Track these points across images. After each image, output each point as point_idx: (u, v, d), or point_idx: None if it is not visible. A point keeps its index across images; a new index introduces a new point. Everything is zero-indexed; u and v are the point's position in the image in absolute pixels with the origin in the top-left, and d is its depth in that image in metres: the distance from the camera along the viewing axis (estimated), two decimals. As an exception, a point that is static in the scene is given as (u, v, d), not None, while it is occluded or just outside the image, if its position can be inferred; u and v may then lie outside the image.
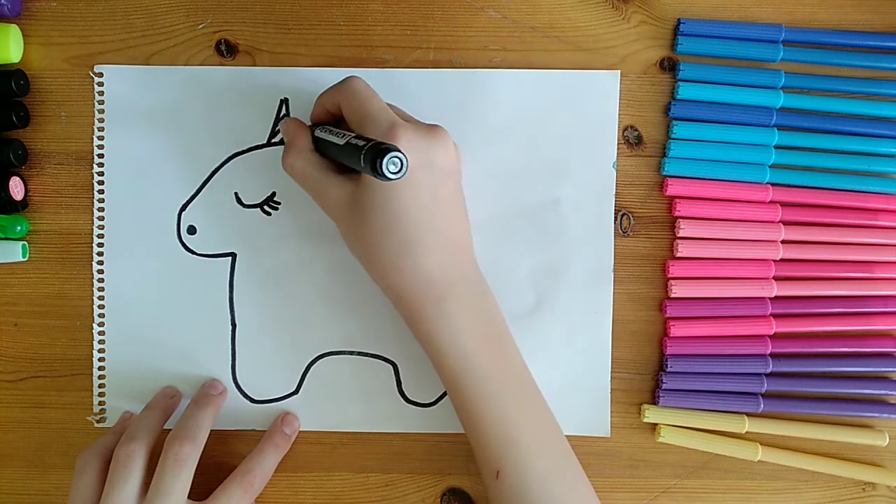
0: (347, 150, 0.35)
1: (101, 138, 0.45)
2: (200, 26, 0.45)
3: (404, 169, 0.31)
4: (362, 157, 0.33)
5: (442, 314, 0.38)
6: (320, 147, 0.40)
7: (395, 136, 0.36)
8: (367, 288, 0.44)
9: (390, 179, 0.32)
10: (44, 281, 0.45)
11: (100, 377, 0.45)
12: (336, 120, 0.41)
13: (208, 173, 0.45)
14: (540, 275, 0.45)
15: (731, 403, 0.44)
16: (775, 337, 0.44)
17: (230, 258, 0.45)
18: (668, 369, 0.44)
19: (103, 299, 0.45)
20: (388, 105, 0.39)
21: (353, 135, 0.36)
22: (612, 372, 0.45)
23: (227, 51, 0.45)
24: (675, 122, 0.44)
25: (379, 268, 0.39)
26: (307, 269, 0.45)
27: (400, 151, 0.31)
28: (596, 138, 0.45)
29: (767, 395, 0.44)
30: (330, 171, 0.39)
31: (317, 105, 0.42)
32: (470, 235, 0.41)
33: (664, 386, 0.44)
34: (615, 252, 0.45)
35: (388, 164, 0.31)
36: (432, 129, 0.38)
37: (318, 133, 0.40)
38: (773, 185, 0.44)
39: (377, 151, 0.31)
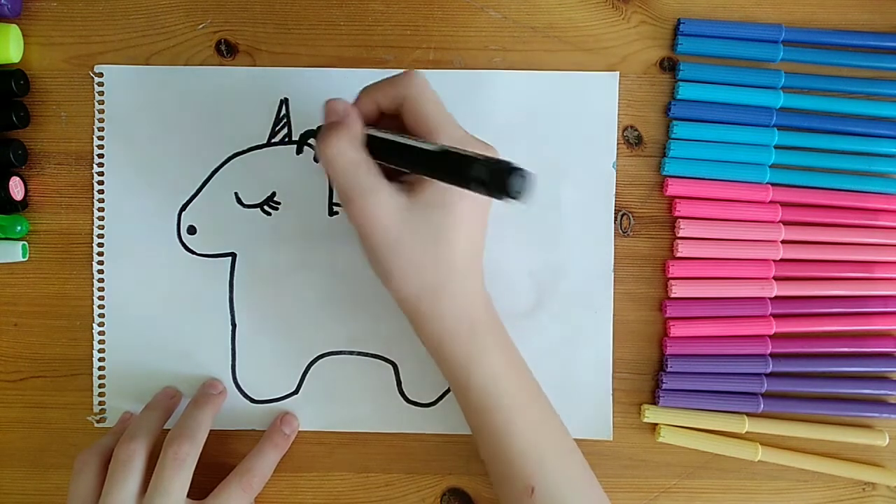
0: (446, 158, 0.32)
1: (101, 138, 0.45)
2: (200, 26, 0.45)
3: (528, 191, 0.29)
4: (483, 169, 0.30)
5: (476, 341, 0.37)
6: (376, 148, 0.35)
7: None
8: (367, 288, 0.44)
9: (514, 199, 0.29)
10: (44, 281, 0.45)
11: (100, 377, 0.45)
12: (376, 120, 0.37)
13: (208, 173, 0.45)
14: (540, 275, 0.45)
15: (731, 403, 0.44)
16: (775, 337, 0.44)
17: (230, 258, 0.45)
18: (668, 369, 0.44)
19: (103, 299, 0.45)
20: None
21: (445, 145, 0.33)
22: (612, 372, 0.45)
23: (227, 51, 0.45)
24: (675, 122, 0.44)
25: (414, 289, 0.36)
26: (307, 269, 0.45)
27: (528, 172, 0.29)
28: (596, 138, 0.45)
29: (767, 395, 0.44)
30: (379, 171, 0.35)
31: (366, 101, 0.37)
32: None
33: (664, 386, 0.44)
34: (615, 252, 0.45)
35: (519, 183, 0.29)
36: (488, 150, 0.37)
37: (377, 133, 0.35)
38: (773, 185, 0.44)
39: (508, 170, 0.29)
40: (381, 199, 0.34)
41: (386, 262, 0.36)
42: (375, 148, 0.35)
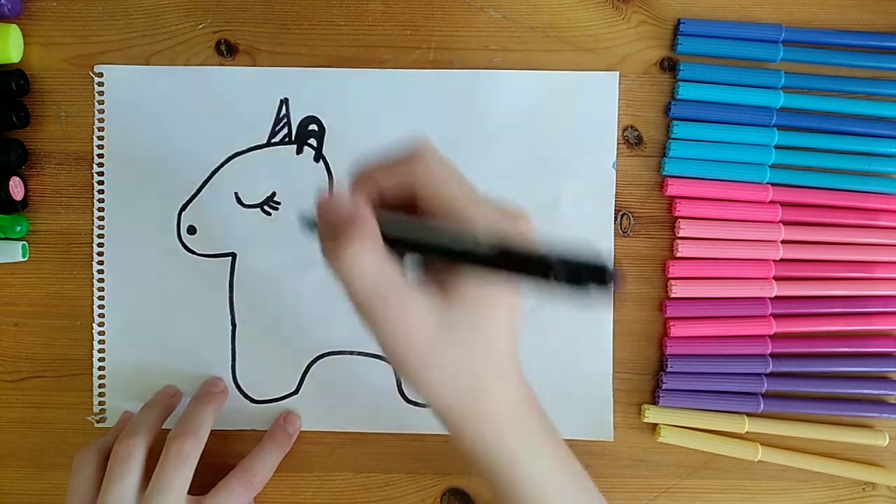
0: (497, 260, 0.28)
1: (101, 138, 0.45)
2: (200, 26, 0.45)
3: (613, 283, 0.26)
4: (576, 269, 0.26)
5: (521, 439, 0.33)
6: (394, 241, 0.30)
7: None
8: (367, 288, 0.44)
9: (601, 300, 0.26)
10: (44, 281, 0.45)
11: (100, 377, 0.45)
12: (383, 202, 0.31)
13: (208, 173, 0.45)
14: (540, 275, 0.45)
15: (731, 403, 0.44)
16: (775, 337, 0.44)
17: (230, 258, 0.45)
18: (668, 369, 0.44)
19: (103, 299, 0.45)
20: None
21: (475, 237, 0.28)
22: (612, 372, 0.45)
23: (227, 51, 0.45)
24: (675, 122, 0.44)
25: (452, 398, 0.31)
26: (307, 269, 0.45)
27: (611, 267, 0.26)
28: (596, 138, 0.45)
29: (767, 395, 0.44)
30: (405, 278, 0.29)
31: (365, 184, 0.31)
32: None
33: (664, 386, 0.44)
34: (615, 252, 0.45)
35: (604, 281, 0.25)
36: (520, 219, 0.32)
37: (391, 223, 0.30)
38: (773, 185, 0.44)
39: (601, 271, 0.25)
40: (415, 309, 0.29)
41: (421, 372, 0.31)
42: (394, 241, 0.29)
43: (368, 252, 0.28)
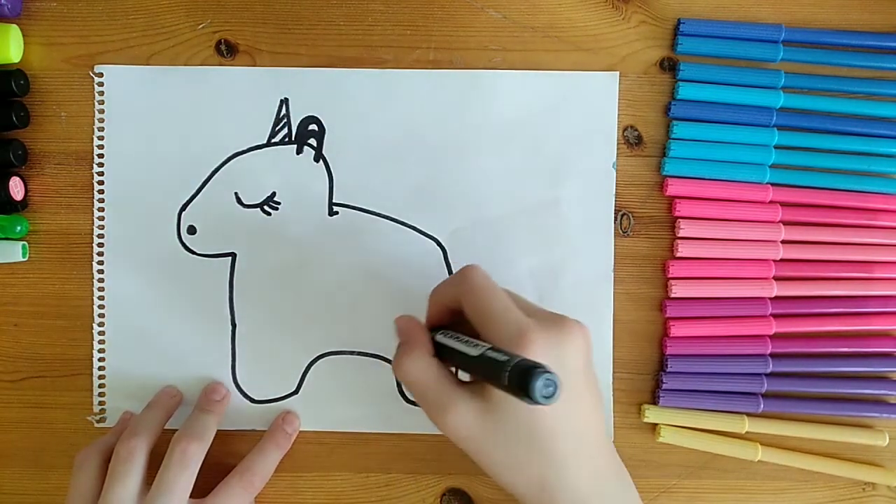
0: (483, 363, 0.32)
1: (101, 138, 0.45)
2: (200, 26, 0.45)
3: (557, 393, 0.28)
4: (507, 376, 0.29)
5: None
6: (443, 353, 0.36)
7: (528, 343, 0.32)
8: (367, 288, 0.44)
9: (540, 404, 0.28)
10: (44, 281, 0.45)
11: (100, 377, 0.45)
12: (454, 318, 0.38)
13: (208, 173, 0.45)
14: (540, 275, 0.45)
15: (731, 403, 0.44)
16: (775, 337, 0.44)
17: (230, 258, 0.45)
18: (668, 369, 0.44)
19: (103, 299, 0.45)
20: (506, 291, 0.36)
21: (488, 345, 0.33)
22: (612, 372, 0.45)
23: (227, 51, 0.45)
24: (675, 122, 0.44)
25: (522, 487, 0.34)
26: (307, 269, 0.45)
27: (552, 373, 0.28)
28: (596, 138, 0.45)
29: (767, 395, 0.44)
30: (452, 382, 0.35)
31: (431, 304, 0.38)
32: (603, 419, 0.37)
33: (664, 386, 0.44)
34: (615, 252, 0.45)
35: (540, 388, 0.27)
36: (561, 324, 0.34)
37: (440, 339, 0.36)
38: (773, 185, 0.44)
39: (524, 371, 0.28)
40: (455, 410, 0.34)
41: (484, 466, 0.35)
42: (443, 354, 0.35)
43: (415, 363, 0.35)
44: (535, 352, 0.32)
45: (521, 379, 0.28)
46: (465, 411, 0.34)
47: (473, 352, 0.33)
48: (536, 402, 0.28)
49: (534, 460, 0.34)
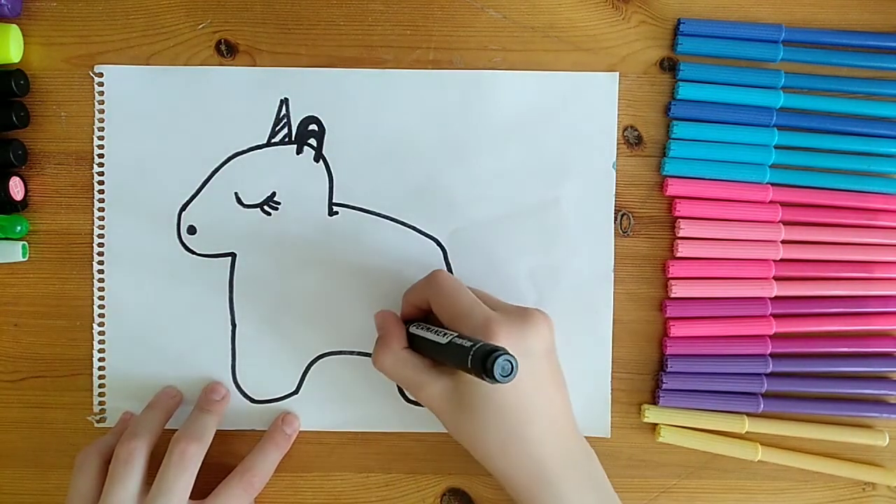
0: (451, 350, 0.35)
1: (101, 138, 0.45)
2: (200, 26, 0.45)
3: (514, 371, 0.31)
4: (470, 359, 0.32)
5: (555, 498, 0.38)
6: (417, 344, 0.40)
7: (493, 332, 0.36)
8: (367, 288, 0.44)
9: (500, 383, 0.31)
10: (44, 281, 0.45)
11: (100, 377, 0.45)
12: (426, 315, 0.41)
13: (208, 173, 0.45)
14: (540, 275, 0.45)
15: (731, 403, 0.44)
16: (775, 337, 0.44)
17: (230, 258, 0.45)
18: (668, 369, 0.44)
19: (103, 299, 0.45)
20: (471, 290, 0.39)
21: (455, 333, 0.36)
22: (612, 372, 0.45)
23: (227, 51, 0.45)
24: (675, 122, 0.44)
25: (485, 455, 0.38)
26: (307, 269, 0.45)
27: (510, 354, 0.31)
28: (596, 138, 0.45)
29: (767, 395, 0.44)
30: (424, 367, 0.39)
31: (404, 304, 0.42)
32: (570, 405, 0.40)
33: (664, 386, 0.44)
34: (615, 252, 0.45)
35: (499, 368, 0.31)
36: (524, 314, 0.38)
37: (413, 330, 0.40)
38: (773, 185, 0.44)
39: (485, 354, 0.31)
40: (428, 390, 0.38)
41: (457, 436, 0.39)
42: (417, 344, 0.40)
43: (388, 355, 0.39)
44: (500, 339, 0.36)
45: (483, 361, 0.31)
46: (437, 388, 0.38)
47: (443, 340, 0.36)
48: (496, 381, 0.31)
49: (495, 433, 0.37)
